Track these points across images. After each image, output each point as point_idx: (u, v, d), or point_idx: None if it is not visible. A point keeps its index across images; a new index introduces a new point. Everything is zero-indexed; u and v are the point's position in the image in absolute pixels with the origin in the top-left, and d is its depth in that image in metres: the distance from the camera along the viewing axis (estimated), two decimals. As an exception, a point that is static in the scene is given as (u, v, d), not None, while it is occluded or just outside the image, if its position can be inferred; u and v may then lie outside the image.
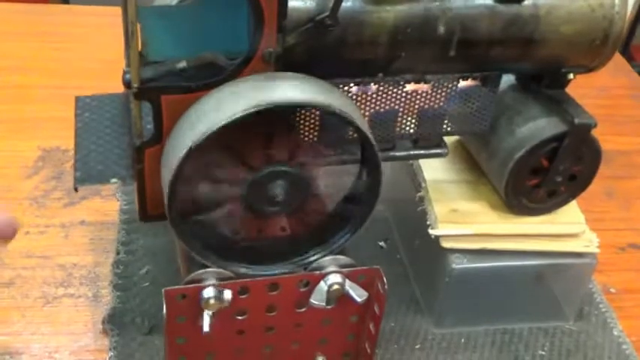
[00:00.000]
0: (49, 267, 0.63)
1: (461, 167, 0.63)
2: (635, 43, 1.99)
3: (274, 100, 0.43)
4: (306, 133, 0.49)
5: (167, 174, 0.45)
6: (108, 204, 0.70)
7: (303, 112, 0.48)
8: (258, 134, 0.46)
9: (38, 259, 0.64)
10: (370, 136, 0.46)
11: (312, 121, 0.49)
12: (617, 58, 0.93)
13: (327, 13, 0.46)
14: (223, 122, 0.42)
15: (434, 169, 0.62)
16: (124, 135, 0.53)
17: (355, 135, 0.48)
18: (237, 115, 0.42)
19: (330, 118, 0.46)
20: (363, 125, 0.46)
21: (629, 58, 1.86)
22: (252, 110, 0.42)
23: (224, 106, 0.43)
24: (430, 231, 0.58)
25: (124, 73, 0.50)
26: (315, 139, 0.49)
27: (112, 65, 0.57)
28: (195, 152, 0.43)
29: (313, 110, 0.48)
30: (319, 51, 0.48)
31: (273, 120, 0.45)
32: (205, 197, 0.47)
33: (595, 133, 0.56)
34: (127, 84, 0.46)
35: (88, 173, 0.50)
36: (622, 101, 0.96)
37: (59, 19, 1.01)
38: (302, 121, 0.49)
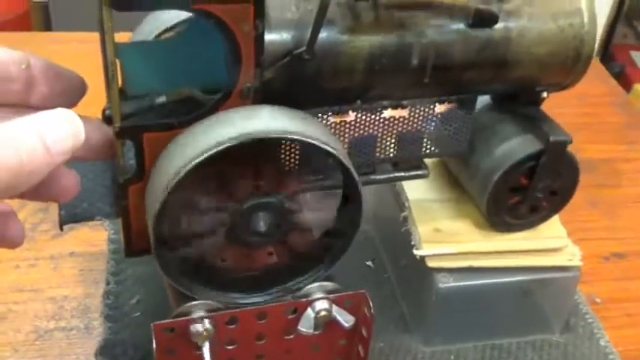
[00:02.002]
0: (40, 300, 0.64)
1: (443, 186, 0.64)
2: (615, 42, 2.00)
3: (249, 134, 0.43)
4: (288, 164, 0.50)
5: (151, 210, 0.46)
6: (96, 234, 0.70)
7: (283, 143, 0.49)
8: (239, 166, 0.46)
9: (29, 292, 0.65)
10: (351, 168, 0.47)
11: (293, 152, 0.49)
12: (595, 65, 0.94)
13: (304, 48, 0.46)
14: (198, 159, 0.43)
15: (416, 189, 0.63)
16: (107, 171, 0.53)
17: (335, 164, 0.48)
18: (212, 151, 0.43)
19: (309, 149, 0.47)
20: (344, 157, 0.47)
21: (610, 59, 1.88)
22: (226, 146, 0.43)
23: (200, 142, 0.44)
24: (415, 251, 0.58)
25: (105, 109, 0.51)
26: (297, 169, 0.50)
27: (94, 94, 0.57)
28: (177, 188, 0.44)
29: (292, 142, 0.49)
30: (296, 82, 0.48)
31: (253, 152, 0.46)
32: (189, 230, 0.48)
33: (576, 141, 0.57)
34: (108, 121, 0.47)
35: (72, 212, 0.50)
36: (602, 109, 0.97)
37: (41, 47, 1.02)
38: (282, 152, 0.49)
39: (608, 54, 1.95)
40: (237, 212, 0.47)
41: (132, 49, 0.53)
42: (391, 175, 0.58)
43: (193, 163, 0.43)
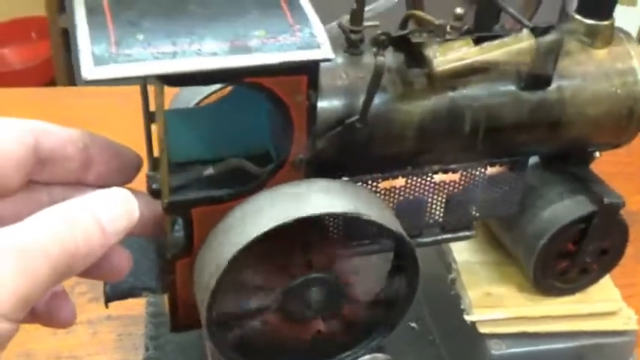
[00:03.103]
0: (79, 368, 0.63)
1: (487, 247, 0.62)
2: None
3: (306, 214, 0.42)
4: (338, 238, 0.48)
5: (203, 289, 0.44)
6: (133, 297, 0.69)
7: (335, 220, 0.48)
8: (291, 243, 0.45)
9: (67, 360, 0.63)
10: (407, 238, 0.45)
11: (346, 226, 0.48)
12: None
13: (356, 117, 0.45)
14: (253, 238, 0.42)
15: (463, 250, 0.62)
16: (151, 243, 0.52)
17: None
18: (266, 230, 0.42)
19: (365, 225, 0.46)
20: (400, 229, 0.45)
21: None
22: (281, 224, 0.42)
23: (255, 220, 0.43)
24: (466, 317, 0.57)
25: (149, 178, 0.50)
26: (347, 240, 0.48)
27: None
28: (231, 267, 0.43)
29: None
30: (347, 150, 0.47)
31: (305, 228, 0.44)
32: (241, 308, 0.46)
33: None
34: (155, 194, 0.46)
35: (118, 287, 0.49)
36: (636, 157, 0.95)
37: (68, 102, 1.01)
38: (335, 227, 0.48)
39: None
40: (290, 288, 0.46)
41: (173, 116, 0.53)
42: (438, 238, 0.57)
43: (249, 242, 0.42)
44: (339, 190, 0.44)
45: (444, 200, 0.54)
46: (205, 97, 0.55)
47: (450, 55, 0.44)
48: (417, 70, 0.47)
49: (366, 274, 0.49)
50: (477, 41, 0.46)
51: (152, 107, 0.49)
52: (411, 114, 0.47)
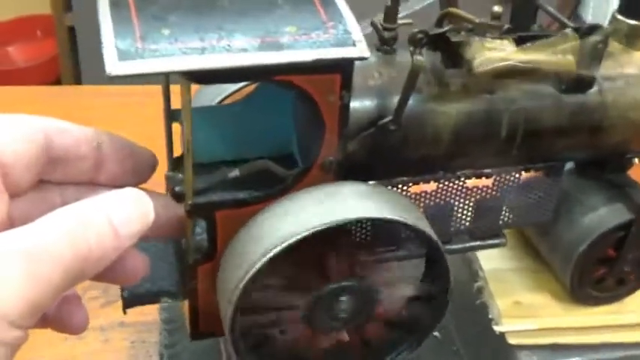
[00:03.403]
0: (91, 376, 0.60)
1: (519, 253, 0.60)
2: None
3: (342, 219, 0.40)
4: (369, 245, 0.46)
5: (227, 296, 0.42)
6: (147, 302, 0.67)
7: (367, 224, 0.45)
8: (321, 249, 0.43)
9: (79, 367, 0.61)
10: (442, 247, 0.43)
11: (374, 233, 0.46)
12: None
13: (389, 118, 0.43)
14: (285, 244, 0.40)
15: (490, 256, 0.59)
16: (169, 246, 0.50)
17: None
18: (299, 236, 0.40)
19: (395, 231, 0.44)
20: (439, 242, 0.43)
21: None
22: (315, 231, 0.39)
23: (285, 225, 0.40)
24: (495, 327, 0.55)
25: (169, 179, 0.48)
26: (379, 250, 0.46)
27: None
28: (259, 275, 0.40)
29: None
30: (378, 153, 0.45)
31: (337, 234, 0.42)
32: (267, 317, 0.44)
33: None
34: (177, 198, 0.43)
35: (135, 293, 0.47)
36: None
37: (74, 101, 0.99)
38: (363, 234, 0.46)
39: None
40: (318, 297, 0.43)
41: (195, 115, 0.50)
42: (467, 245, 0.55)
43: (279, 248, 0.39)
44: (373, 194, 0.42)
45: (475, 206, 0.52)
46: (228, 96, 0.53)
47: (491, 55, 0.42)
48: (454, 71, 0.45)
49: (396, 283, 0.46)
50: (519, 41, 0.43)
51: (174, 105, 0.47)
52: (446, 116, 0.45)
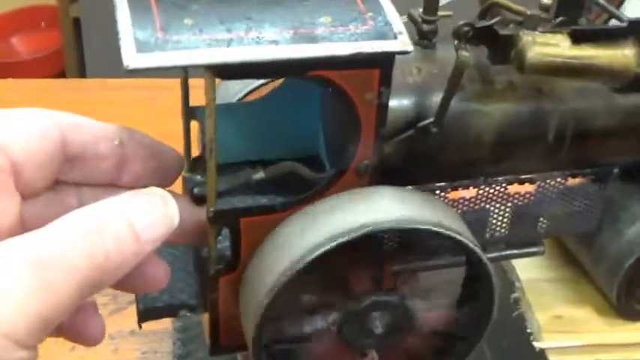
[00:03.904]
0: (99, 389, 0.57)
1: (556, 262, 0.57)
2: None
3: (379, 228, 0.36)
4: (407, 256, 0.43)
5: (252, 310, 0.39)
6: (158, 309, 0.63)
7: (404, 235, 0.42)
8: (352, 261, 0.39)
9: (86, 380, 0.58)
10: (486, 261, 0.39)
11: (413, 242, 0.42)
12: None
13: (431, 119, 0.39)
14: (315, 254, 0.36)
15: (527, 265, 0.56)
16: (187, 253, 0.46)
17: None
18: (333, 244, 0.36)
19: (435, 240, 0.40)
20: (478, 248, 0.39)
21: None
22: (354, 237, 0.36)
23: (318, 234, 0.37)
24: (535, 343, 0.51)
25: (187, 181, 0.44)
26: (416, 261, 0.43)
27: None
28: (287, 286, 0.37)
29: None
30: (417, 157, 0.42)
31: (373, 244, 0.39)
32: (295, 333, 0.41)
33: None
34: (197, 201, 0.40)
35: (152, 306, 0.43)
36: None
37: (80, 95, 0.95)
38: (402, 243, 0.42)
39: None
40: (349, 311, 0.40)
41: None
42: (503, 254, 0.51)
43: (309, 259, 0.36)
44: (414, 201, 0.38)
45: (511, 212, 0.48)
46: (249, 93, 0.50)
47: (545, 51, 0.38)
48: (499, 67, 0.41)
49: (434, 296, 0.43)
50: (573, 35, 0.40)
51: (192, 101, 0.43)
52: (489, 116, 0.42)
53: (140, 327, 0.43)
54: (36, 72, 1.65)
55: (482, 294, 0.42)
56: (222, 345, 0.44)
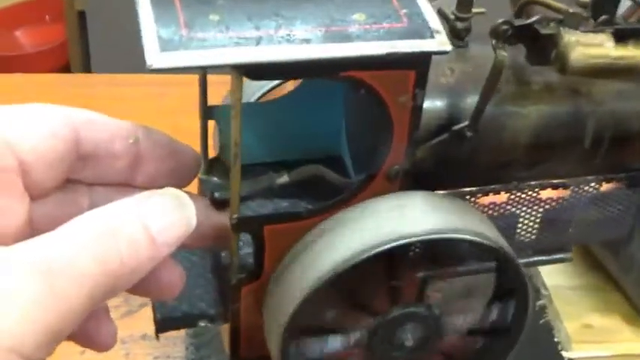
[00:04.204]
0: (111, 395, 0.55)
1: (581, 269, 0.55)
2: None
3: (414, 239, 0.35)
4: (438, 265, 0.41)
5: (276, 322, 0.37)
6: (170, 312, 0.62)
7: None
8: (385, 271, 0.38)
9: (96, 385, 0.56)
10: (524, 273, 0.38)
11: (447, 251, 0.41)
12: None
13: (466, 123, 0.37)
14: (349, 263, 0.34)
15: (553, 271, 0.54)
16: (205, 258, 0.45)
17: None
18: (373, 252, 0.34)
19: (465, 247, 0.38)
20: (518, 263, 0.38)
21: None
22: (392, 246, 0.34)
23: (351, 243, 0.35)
24: (564, 353, 0.49)
25: (204, 183, 0.43)
26: (449, 269, 0.41)
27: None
28: (316, 295, 0.35)
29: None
30: (449, 161, 0.40)
31: (404, 255, 0.37)
32: (320, 345, 0.39)
33: None
34: (218, 205, 0.38)
35: (170, 315, 0.41)
36: None
37: (82, 91, 0.92)
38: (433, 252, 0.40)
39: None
40: (379, 325, 0.38)
41: (230, 112, 0.45)
42: (531, 260, 0.49)
43: (339, 270, 0.34)
44: (451, 209, 0.37)
45: (541, 218, 0.46)
46: (266, 93, 0.48)
47: (589, 51, 0.36)
48: (535, 68, 0.39)
49: (465, 304, 0.41)
50: (616, 35, 0.38)
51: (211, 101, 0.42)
52: (526, 118, 0.40)
53: (157, 338, 0.41)
54: (40, 65, 1.63)
55: (516, 304, 0.40)
56: (241, 356, 0.43)
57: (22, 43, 1.84)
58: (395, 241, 0.34)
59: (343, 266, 0.34)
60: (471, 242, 0.35)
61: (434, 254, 0.41)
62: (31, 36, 1.85)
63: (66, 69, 1.70)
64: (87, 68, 1.66)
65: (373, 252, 0.34)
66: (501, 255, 0.37)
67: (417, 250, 0.39)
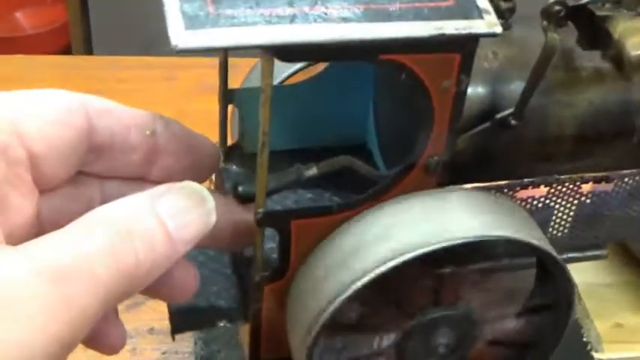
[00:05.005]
0: (118, 392, 0.53)
1: (614, 265, 0.52)
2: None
3: (457, 242, 0.32)
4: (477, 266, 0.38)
5: (305, 324, 0.34)
6: (179, 305, 0.59)
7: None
8: (423, 272, 0.35)
9: (102, 381, 0.53)
10: (570, 275, 0.35)
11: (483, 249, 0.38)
12: None
13: (510, 110, 0.35)
14: (389, 265, 0.32)
15: (581, 268, 0.51)
16: (223, 255, 0.42)
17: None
18: (413, 254, 0.32)
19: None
20: (560, 260, 0.35)
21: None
22: (436, 249, 0.31)
23: (384, 245, 0.32)
24: (594, 354, 0.47)
25: (223, 173, 0.40)
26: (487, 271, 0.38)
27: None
28: (349, 299, 0.33)
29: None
30: (491, 151, 0.37)
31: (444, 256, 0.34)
32: (350, 350, 0.36)
33: None
34: (242, 199, 0.35)
35: (187, 316, 0.39)
36: None
37: (85, 74, 0.89)
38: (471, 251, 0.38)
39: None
40: (412, 328, 0.36)
41: (252, 96, 0.42)
42: (565, 257, 0.47)
43: (374, 274, 0.31)
44: (496, 207, 0.34)
45: (577, 213, 0.44)
46: (289, 76, 0.45)
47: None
48: (585, 52, 0.36)
49: (503, 312, 0.38)
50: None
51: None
52: (572, 108, 0.37)
53: (173, 338, 0.39)
54: (40, 47, 1.60)
55: (557, 301, 0.38)
56: (262, 356, 0.40)
57: (23, 24, 1.81)
58: (440, 243, 0.31)
59: (384, 268, 0.31)
60: (522, 244, 0.33)
61: (475, 256, 0.38)
62: (31, 17, 1.81)
63: (67, 50, 1.67)
64: (89, 50, 1.63)
65: (418, 253, 0.31)
66: (552, 259, 0.35)
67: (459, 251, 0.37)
